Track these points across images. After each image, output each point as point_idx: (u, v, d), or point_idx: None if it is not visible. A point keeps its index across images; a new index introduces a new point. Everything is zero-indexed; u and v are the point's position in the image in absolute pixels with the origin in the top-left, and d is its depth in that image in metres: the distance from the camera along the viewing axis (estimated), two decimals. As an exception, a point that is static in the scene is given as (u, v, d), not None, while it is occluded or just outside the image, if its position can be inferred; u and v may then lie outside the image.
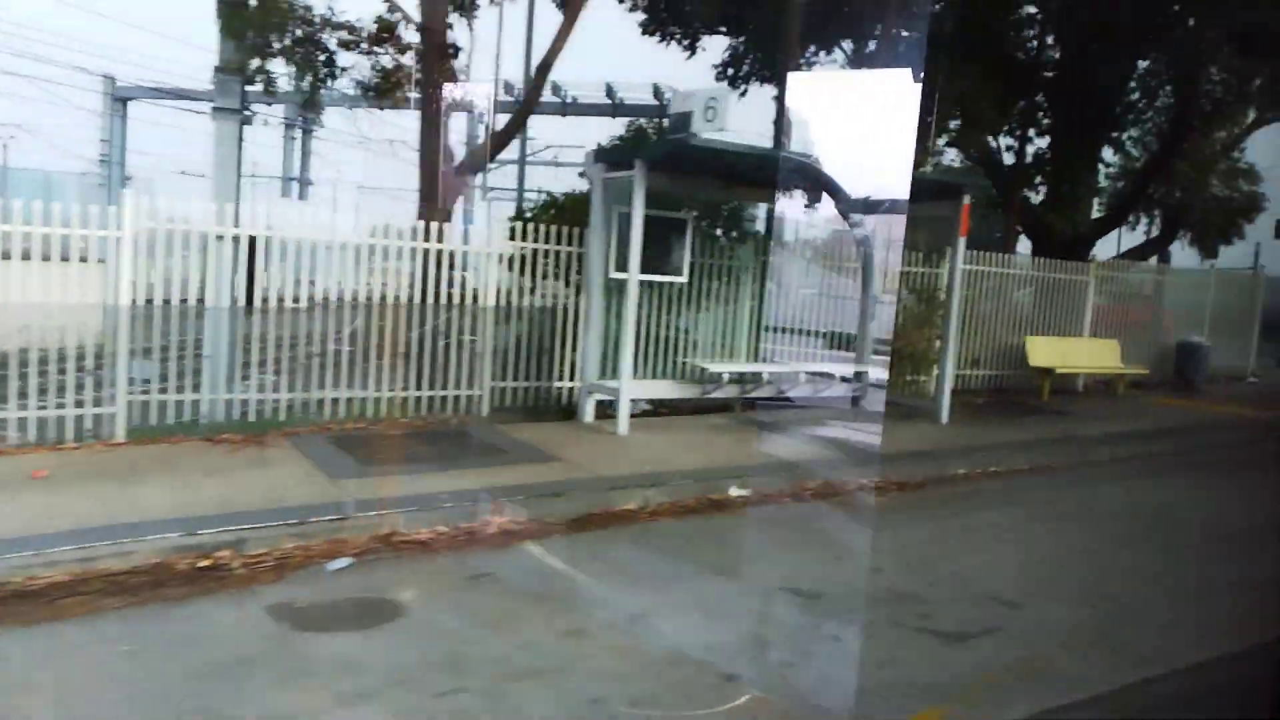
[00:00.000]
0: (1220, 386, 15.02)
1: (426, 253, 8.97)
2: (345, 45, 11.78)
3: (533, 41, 16.41)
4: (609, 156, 8.98)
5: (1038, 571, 5.69)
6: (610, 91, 22.93)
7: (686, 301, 10.34)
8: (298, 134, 30.92)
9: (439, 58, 9.21)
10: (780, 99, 11.98)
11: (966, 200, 10.04)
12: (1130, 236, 23.70)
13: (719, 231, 10.89)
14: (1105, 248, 21.63)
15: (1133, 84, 16.50)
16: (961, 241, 10.27)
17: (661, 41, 21.52)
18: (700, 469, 7.63)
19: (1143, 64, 16.07)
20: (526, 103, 9.74)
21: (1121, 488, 8.27)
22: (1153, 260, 20.34)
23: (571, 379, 9.70)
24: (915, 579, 5.42)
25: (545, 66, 9.49)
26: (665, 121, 27.50)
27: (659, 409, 10.49)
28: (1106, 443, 9.92)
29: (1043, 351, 12.67)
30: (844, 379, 11.02)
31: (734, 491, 7.21)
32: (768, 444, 8.95)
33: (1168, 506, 7.56)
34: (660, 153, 8.31)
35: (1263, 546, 6.47)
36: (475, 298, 9.18)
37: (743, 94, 17.05)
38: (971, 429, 10.14)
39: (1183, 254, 23.29)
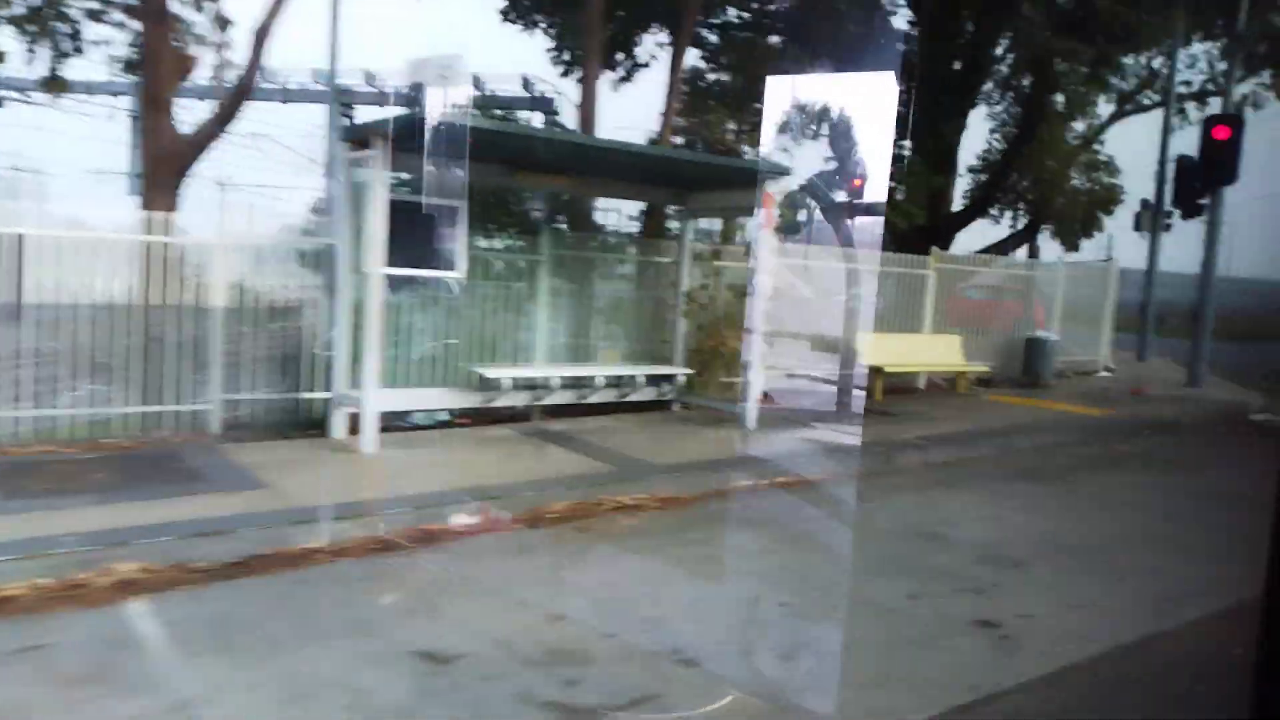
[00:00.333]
0: (1069, 382, 14.65)
1: (149, 247, 7.81)
2: (93, 16, 10.44)
3: (337, 22, 15.10)
4: (354, 135, 7.89)
5: (754, 614, 4.82)
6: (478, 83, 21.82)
7: (473, 299, 9.33)
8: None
9: (158, 25, 7.98)
10: (587, 83, 11.06)
11: (769, 188, 9.25)
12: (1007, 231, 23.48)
13: (513, 221, 9.91)
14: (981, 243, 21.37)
15: (975, 73, 16.03)
16: (766, 234, 9.47)
17: (525, 30, 20.51)
18: (438, 493, 6.62)
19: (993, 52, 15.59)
20: (246, 76, 8.58)
21: (913, 500, 7.54)
22: (1017, 254, 20.12)
23: (328, 389, 8.58)
24: (596, 628, 4.50)
25: (262, 33, 8.35)
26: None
27: (459, 419, 9.47)
28: (921, 447, 9.23)
29: (874, 349, 12.00)
30: (653, 381, 10.15)
31: (455, 520, 6.22)
32: (542, 459, 7.99)
33: (953, 524, 6.82)
34: (393, 128, 7.25)
35: (1034, 575, 5.75)
36: (199, 297, 8.00)
37: (580, 79, 16.09)
38: (779, 434, 9.36)
39: (1053, 248, 23.22)
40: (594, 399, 9.71)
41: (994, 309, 16.07)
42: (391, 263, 8.10)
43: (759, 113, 13.72)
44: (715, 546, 5.96)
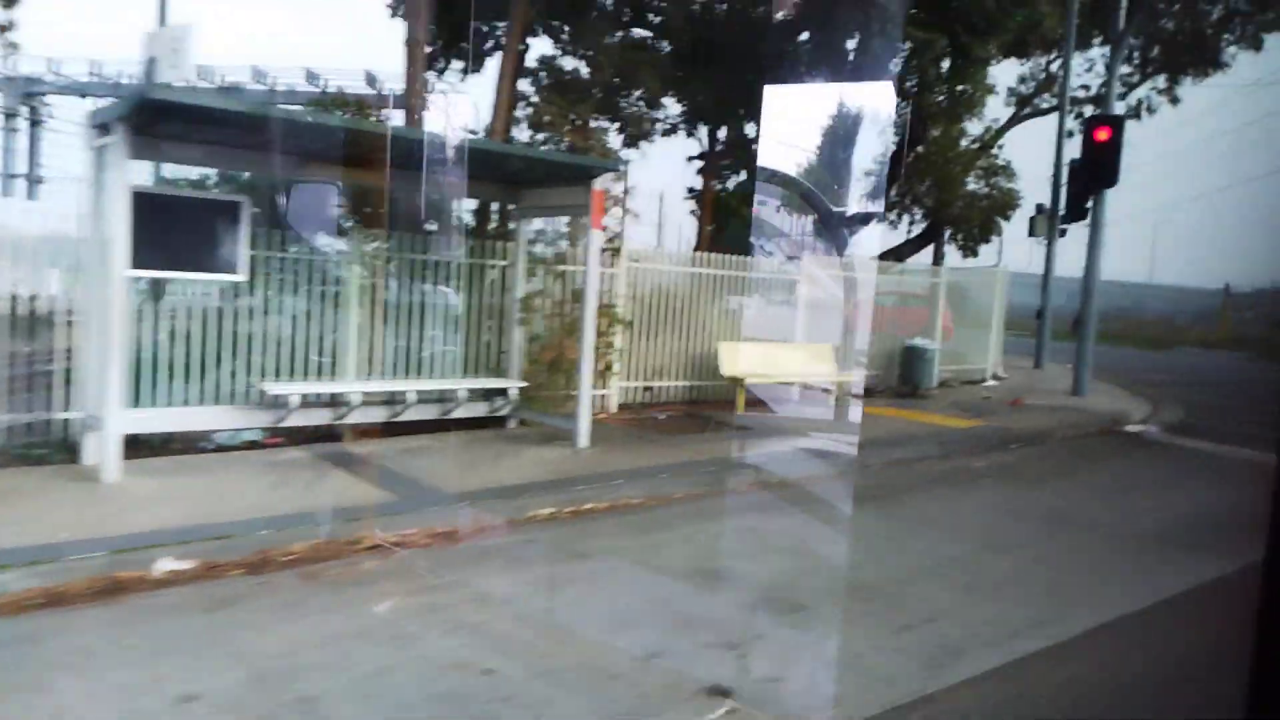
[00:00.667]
0: (951, 392, 14.16)
1: None
2: None
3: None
4: (96, 120, 6.95)
5: (441, 686, 4.01)
6: (311, 77, 20.79)
7: (269, 306, 8.43)
8: (21, 125, 27.36)
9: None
10: (412, 73, 10.20)
11: (597, 185, 8.50)
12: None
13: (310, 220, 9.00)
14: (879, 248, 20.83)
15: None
16: (596, 234, 8.72)
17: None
18: (162, 531, 5.73)
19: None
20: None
21: (719, 529, 6.82)
22: (912, 259, 19.70)
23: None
24: (228, 713, 3.65)
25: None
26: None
27: (269, 440, 8.55)
28: (760, 465, 8.54)
29: (734, 359, 11.32)
30: (485, 396, 9.35)
31: (163, 566, 5.32)
32: (318, 487, 7.09)
33: (749, 557, 6.12)
34: (125, 110, 6.33)
35: (809, 623, 5.04)
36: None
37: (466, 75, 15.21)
38: (610, 453, 8.59)
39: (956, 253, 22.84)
40: (410, 416, 8.86)
41: (882, 316, 15.57)
42: (148, 263, 7.20)
43: (619, 106, 13.02)
44: (457, 594, 5.14)
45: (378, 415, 8.70)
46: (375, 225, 8.98)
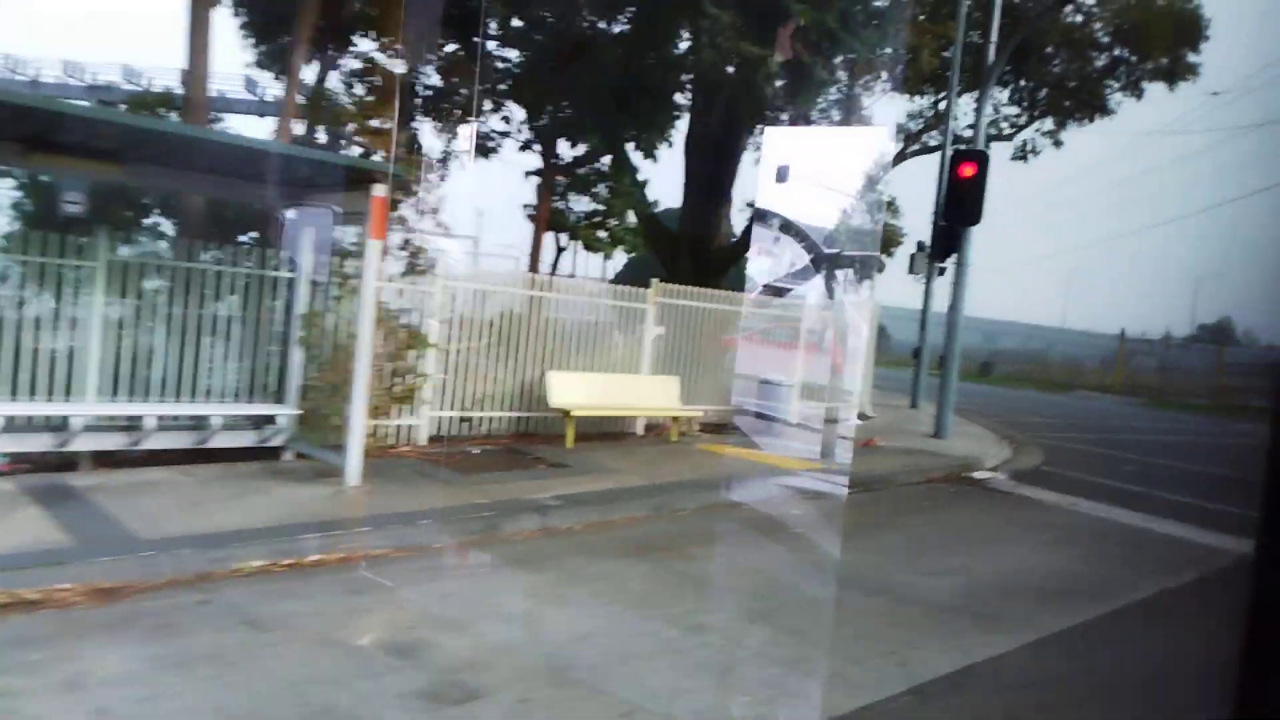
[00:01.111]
0: (807, 431, 13.53)
1: None
2: None
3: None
4: None
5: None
6: (129, 73, 19.80)
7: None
8: None
9: None
10: (196, 63, 9.19)
11: (379, 192, 7.62)
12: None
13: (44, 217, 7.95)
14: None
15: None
16: (375, 245, 7.83)
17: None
18: None
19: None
20: None
21: (454, 588, 5.95)
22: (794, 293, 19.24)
23: None
24: None
25: None
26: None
27: (10, 465, 7.41)
28: (546, 511, 7.67)
29: (564, 389, 10.51)
30: (255, 424, 8.35)
31: None
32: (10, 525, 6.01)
33: (461, 628, 5.25)
34: None
35: None
36: None
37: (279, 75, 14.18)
38: (381, 493, 7.65)
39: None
40: (158, 444, 7.82)
41: (750, 349, 14.96)
42: None
43: (447, 113, 12.23)
44: (48, 674, 4.14)
45: (114, 442, 7.63)
46: (131, 226, 7.94)
